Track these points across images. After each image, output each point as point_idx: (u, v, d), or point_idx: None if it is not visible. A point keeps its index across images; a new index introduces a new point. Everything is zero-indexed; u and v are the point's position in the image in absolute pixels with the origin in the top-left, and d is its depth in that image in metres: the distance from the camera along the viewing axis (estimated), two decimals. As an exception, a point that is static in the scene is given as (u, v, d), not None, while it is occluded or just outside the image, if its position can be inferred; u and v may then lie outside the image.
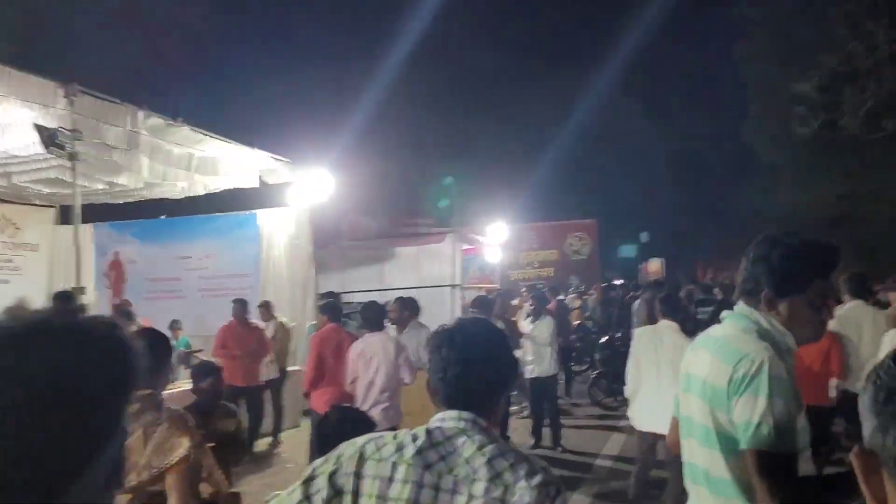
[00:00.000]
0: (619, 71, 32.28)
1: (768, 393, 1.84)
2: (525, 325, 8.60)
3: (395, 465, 1.57)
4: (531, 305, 8.71)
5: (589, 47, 34.93)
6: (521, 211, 25.37)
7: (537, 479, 1.53)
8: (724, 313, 2.14)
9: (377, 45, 24.12)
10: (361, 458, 1.60)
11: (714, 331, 2.14)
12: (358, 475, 1.57)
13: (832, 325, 6.54)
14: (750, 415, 1.86)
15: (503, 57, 32.23)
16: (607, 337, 11.42)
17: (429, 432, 1.63)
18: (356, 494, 1.56)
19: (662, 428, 4.92)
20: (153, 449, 2.67)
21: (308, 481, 1.60)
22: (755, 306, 2.04)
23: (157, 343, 2.85)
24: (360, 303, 12.79)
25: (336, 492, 1.56)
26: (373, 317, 6.07)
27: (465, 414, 1.65)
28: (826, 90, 15.64)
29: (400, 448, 1.60)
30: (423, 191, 24.02)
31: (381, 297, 15.01)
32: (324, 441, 2.79)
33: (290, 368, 9.35)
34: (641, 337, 5.60)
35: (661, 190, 33.72)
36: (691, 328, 5.77)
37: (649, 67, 34.19)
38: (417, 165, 23.97)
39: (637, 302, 11.75)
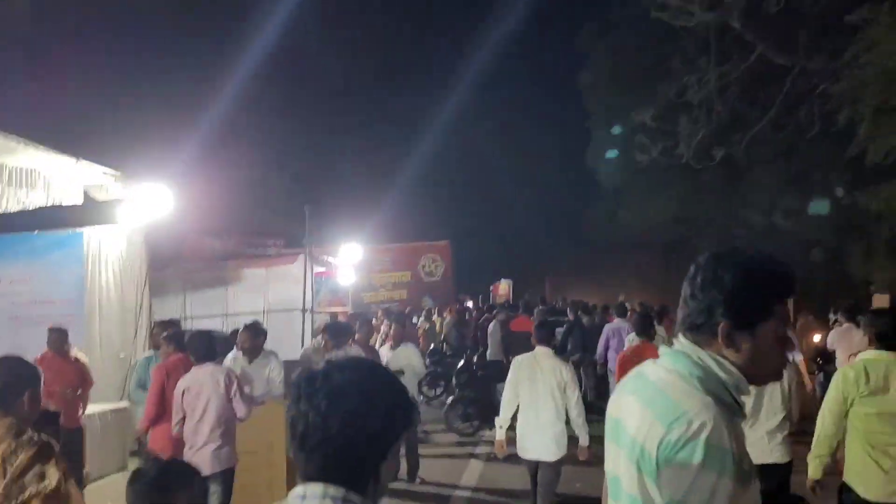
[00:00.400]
0: (471, 95, 32.93)
1: (701, 463, 1.50)
2: (384, 351, 8.15)
3: None
4: (387, 330, 8.34)
5: (442, 71, 35.52)
6: (375, 232, 25.06)
7: None
8: (662, 349, 1.79)
9: (224, 56, 23.10)
10: None
11: (648, 370, 1.78)
12: None
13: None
14: (673, 491, 1.53)
15: (357, 75, 32.07)
16: (464, 360, 11.20)
17: None
18: None
19: (545, 455, 5.27)
20: (13, 478, 2.50)
21: None
22: (702, 343, 1.68)
23: (20, 369, 2.80)
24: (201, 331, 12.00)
25: None
26: (201, 347, 5.44)
27: (333, 490, 1.31)
28: (663, 119, 16.46)
29: None
30: (272, 209, 23.19)
31: (226, 322, 14.24)
32: (140, 497, 2.46)
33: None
34: (521, 365, 5.60)
35: (511, 212, 34.57)
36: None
37: (502, 92, 35.17)
38: (266, 183, 23.09)
39: (492, 324, 11.72)
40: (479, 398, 9.32)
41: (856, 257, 19.33)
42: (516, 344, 11.17)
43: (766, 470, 4.17)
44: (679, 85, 16.10)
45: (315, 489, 1.31)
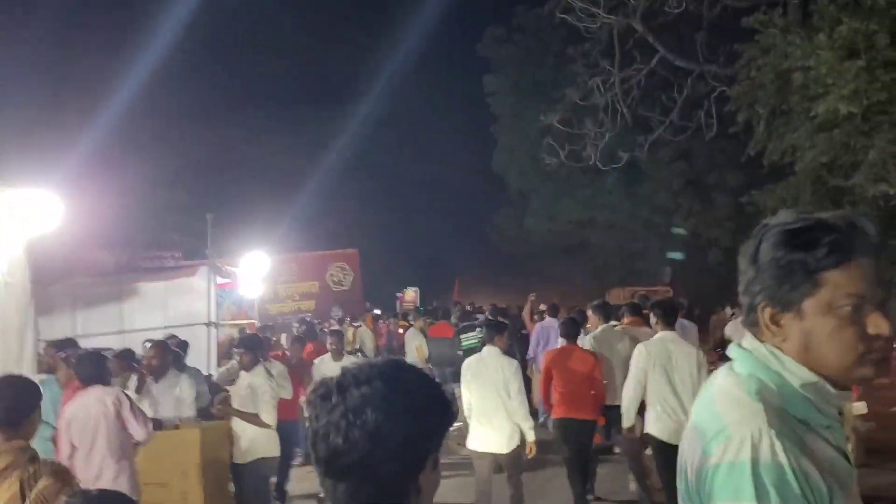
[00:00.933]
0: (376, 103, 32.53)
1: (750, 494, 1.13)
2: (328, 363, 7.42)
3: None
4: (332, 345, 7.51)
5: (346, 79, 34.88)
6: (279, 242, 24.27)
7: None
8: (731, 347, 1.43)
9: (118, 57, 21.76)
10: None
11: (716, 374, 1.43)
12: None
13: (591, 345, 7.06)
14: None
15: (258, 83, 31.10)
16: None
17: None
18: None
19: (495, 447, 5.49)
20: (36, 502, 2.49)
21: None
22: (757, 335, 1.35)
23: (27, 390, 2.76)
24: (105, 349, 11.10)
25: None
26: (87, 368, 4.86)
27: None
28: (569, 123, 16.60)
29: None
30: (170, 221, 22.09)
31: (121, 340, 13.28)
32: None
33: None
34: (470, 366, 5.84)
35: (418, 219, 34.33)
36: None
37: (408, 98, 34.85)
38: (163, 193, 21.95)
39: (410, 330, 11.37)
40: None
41: (751, 255, 20.11)
42: (436, 350, 10.90)
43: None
44: (584, 88, 16.26)
45: None
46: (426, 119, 34.65)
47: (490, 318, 10.10)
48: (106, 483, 4.33)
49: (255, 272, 17.12)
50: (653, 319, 5.89)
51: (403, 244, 33.10)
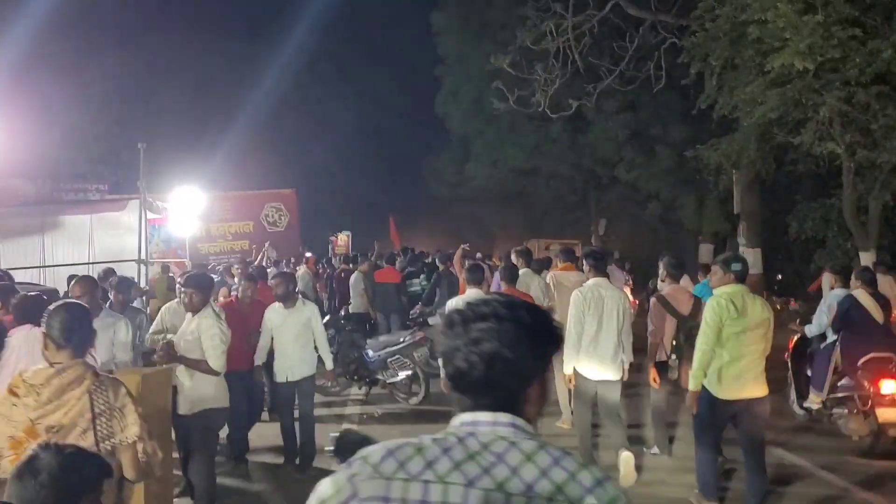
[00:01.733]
0: (313, 37, 31.31)
1: None
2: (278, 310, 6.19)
3: (427, 485, 1.27)
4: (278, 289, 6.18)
5: (283, 10, 33.38)
6: (213, 179, 23.32)
7: (603, 492, 1.29)
8: None
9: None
10: (382, 478, 1.28)
11: None
12: (384, 500, 1.26)
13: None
14: None
15: (191, 7, 29.40)
16: (329, 316, 10.03)
17: (459, 439, 1.34)
18: None
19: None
20: (108, 412, 2.78)
21: None
22: None
23: (85, 313, 3.00)
24: (27, 284, 10.33)
25: None
26: (33, 310, 4.09)
27: (503, 417, 1.37)
28: (519, 67, 16.18)
29: (430, 462, 1.29)
30: (95, 153, 20.90)
31: (43, 275, 12.51)
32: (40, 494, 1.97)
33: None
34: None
35: (354, 161, 33.51)
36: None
37: (346, 34, 33.71)
38: (90, 121, 20.66)
39: (354, 275, 10.97)
40: (345, 355, 8.60)
41: (689, 210, 20.34)
42: (382, 296, 10.56)
43: (605, 384, 5.83)
44: (536, 32, 15.83)
45: (484, 416, 1.36)
46: (367, 57, 33.72)
47: (439, 263, 9.79)
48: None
49: (188, 209, 16.37)
50: (586, 267, 6.26)
51: (338, 186, 32.34)
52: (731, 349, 4.89)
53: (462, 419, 1.36)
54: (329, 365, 6.43)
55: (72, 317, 2.87)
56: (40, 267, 12.55)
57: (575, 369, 5.86)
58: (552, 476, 1.27)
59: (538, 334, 1.40)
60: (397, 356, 8.21)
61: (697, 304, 5.97)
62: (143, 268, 13.17)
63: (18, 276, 9.92)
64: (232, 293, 7.75)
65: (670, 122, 19.10)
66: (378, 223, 31.62)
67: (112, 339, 4.73)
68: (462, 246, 11.59)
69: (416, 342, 8.29)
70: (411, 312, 10.76)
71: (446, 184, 27.63)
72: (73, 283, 5.17)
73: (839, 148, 12.18)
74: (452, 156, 26.02)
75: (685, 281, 8.04)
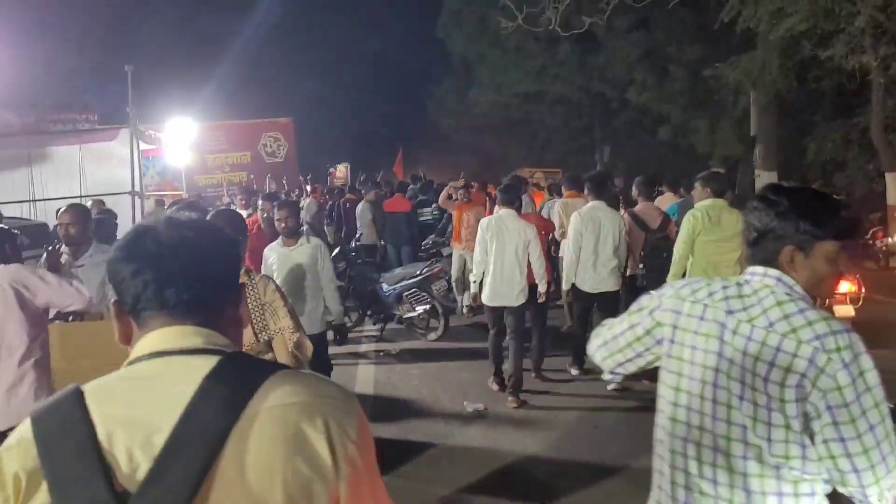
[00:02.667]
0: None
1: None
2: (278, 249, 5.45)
3: (705, 307, 1.76)
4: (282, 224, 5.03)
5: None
6: (205, 109, 22.49)
7: (832, 340, 1.57)
8: None
9: None
10: (679, 298, 1.80)
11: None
12: (675, 311, 1.79)
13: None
14: None
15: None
16: (338, 248, 9.33)
17: (739, 284, 1.78)
18: (673, 327, 1.79)
19: (511, 302, 5.94)
20: (260, 307, 3.06)
21: (633, 313, 1.91)
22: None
23: (237, 218, 3.27)
24: (15, 218, 9.73)
25: (656, 323, 1.84)
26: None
27: (772, 271, 1.77)
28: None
29: (711, 293, 1.77)
30: (83, 81, 19.99)
31: (34, 209, 11.92)
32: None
33: None
34: (489, 226, 6.00)
35: (353, 89, 32.43)
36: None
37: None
38: (76, 47, 19.67)
39: (360, 205, 10.37)
40: (358, 289, 8.09)
41: (701, 133, 19.59)
42: (392, 226, 9.98)
43: (603, 295, 6.32)
44: (547, -57, 14.80)
45: (758, 269, 1.80)
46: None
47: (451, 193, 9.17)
48: (18, 396, 3.28)
49: (182, 139, 15.66)
50: (585, 191, 6.70)
51: (335, 116, 31.38)
52: (708, 256, 5.50)
53: (749, 270, 1.80)
54: (338, 317, 5.26)
55: (226, 222, 3.04)
56: (29, 201, 11.92)
57: (574, 285, 6.37)
58: (792, 320, 1.64)
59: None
60: (414, 290, 7.68)
61: (666, 220, 6.77)
62: (137, 201, 12.56)
63: (7, 211, 9.35)
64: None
65: (685, 41, 18.18)
66: (377, 154, 30.86)
67: (103, 276, 4.18)
68: (451, 183, 10.94)
69: (433, 274, 7.76)
70: (423, 243, 10.19)
71: (448, 112, 26.71)
72: (61, 211, 4.53)
73: (874, 61, 11.47)
74: (454, 82, 25.04)
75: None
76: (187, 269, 1.17)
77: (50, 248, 4.01)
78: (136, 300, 1.16)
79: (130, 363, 1.15)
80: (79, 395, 1.07)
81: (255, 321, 3.01)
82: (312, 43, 30.82)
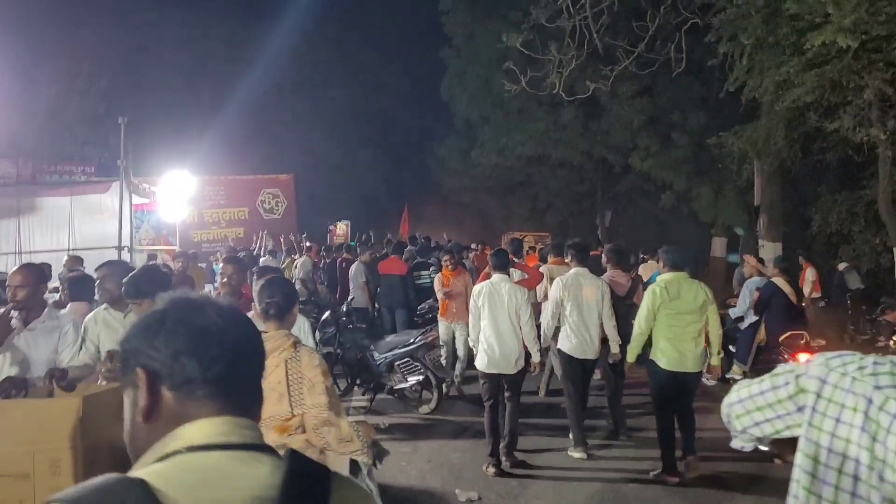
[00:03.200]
0: (313, 17, 30.27)
1: None
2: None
3: (853, 380, 1.66)
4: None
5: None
6: (206, 163, 22.37)
7: None
8: None
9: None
10: (827, 367, 1.70)
11: None
12: (821, 379, 1.69)
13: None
14: None
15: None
16: (329, 311, 8.96)
17: (893, 362, 1.66)
18: (817, 395, 1.69)
19: (507, 370, 5.92)
20: (298, 381, 3.02)
21: (777, 375, 1.81)
22: None
23: (290, 288, 3.32)
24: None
25: (800, 389, 1.74)
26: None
27: None
28: (532, 47, 15.17)
29: (861, 367, 1.67)
30: (82, 132, 19.88)
31: (19, 261, 11.55)
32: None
33: None
34: (481, 293, 6.05)
35: (355, 148, 32.43)
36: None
37: (348, 15, 32.54)
38: (77, 101, 19.63)
39: (354, 265, 10.01)
40: (347, 356, 7.66)
41: (704, 201, 19.40)
42: (387, 289, 9.60)
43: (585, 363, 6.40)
44: (552, 8, 14.83)
45: None
46: (369, 40, 32.58)
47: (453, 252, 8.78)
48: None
49: (178, 193, 15.41)
50: (568, 257, 6.74)
51: (338, 174, 31.29)
52: (671, 328, 5.66)
53: None
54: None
55: (279, 292, 3.13)
56: (16, 253, 11.60)
57: (561, 350, 6.39)
58: None
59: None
60: (406, 359, 7.24)
61: (633, 288, 7.07)
62: (126, 255, 12.22)
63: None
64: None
65: (689, 109, 18.15)
66: (379, 213, 30.73)
67: (57, 346, 3.76)
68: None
69: (427, 343, 7.33)
70: (419, 307, 9.78)
71: (451, 172, 26.60)
72: (11, 271, 4.08)
73: (882, 135, 11.28)
74: (457, 143, 24.98)
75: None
76: (247, 354, 1.18)
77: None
78: (190, 379, 1.11)
79: (189, 449, 1.07)
80: (145, 487, 0.98)
81: (293, 394, 2.99)
82: (316, 100, 30.93)
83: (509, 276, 6.23)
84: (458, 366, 8.12)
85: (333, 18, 31.66)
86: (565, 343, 6.30)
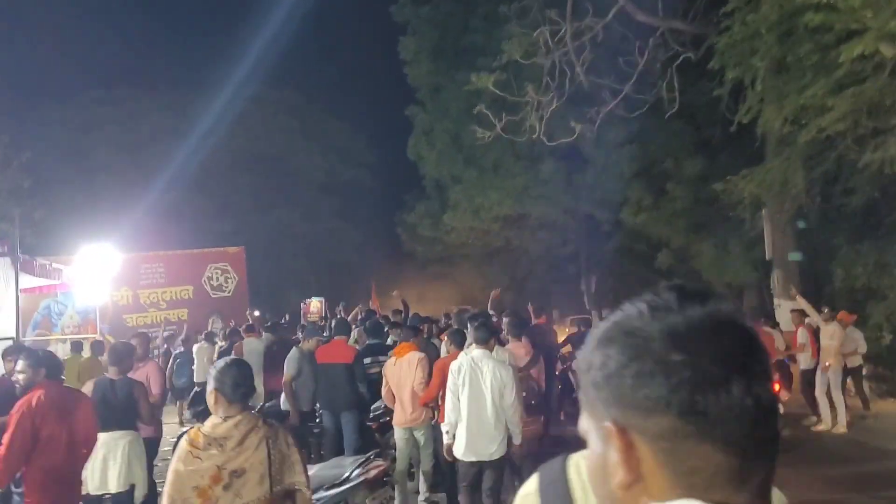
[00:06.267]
0: (265, 74, 28.56)
1: None
2: None
3: None
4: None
5: (235, 55, 30.53)
6: (153, 237, 20.05)
7: None
8: None
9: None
10: None
11: None
12: None
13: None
14: None
15: (130, 57, 26.38)
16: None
17: None
18: None
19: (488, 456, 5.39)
20: (280, 459, 3.01)
21: None
22: None
23: (248, 370, 3.20)
24: None
25: None
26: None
27: None
28: (507, 87, 13.21)
29: None
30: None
31: None
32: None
33: None
34: (461, 369, 5.31)
35: (321, 219, 30.34)
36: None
37: (303, 74, 30.91)
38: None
39: (290, 354, 7.55)
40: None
41: (706, 258, 17.33)
42: (328, 385, 7.10)
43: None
44: (527, 43, 12.94)
45: None
46: (332, 107, 30.89)
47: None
48: None
49: (96, 271, 13.02)
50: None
51: (303, 246, 29.14)
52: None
53: None
54: None
55: (241, 373, 3.08)
56: None
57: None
58: None
59: None
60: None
61: (534, 360, 7.03)
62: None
63: None
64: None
65: (683, 155, 16.22)
66: (350, 286, 28.39)
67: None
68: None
69: (371, 479, 4.84)
70: (373, 407, 7.19)
71: (421, 239, 24.44)
72: None
73: (938, 163, 9.32)
74: (428, 207, 22.87)
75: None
76: None
77: None
78: None
79: None
80: (564, 460, 1.12)
81: (273, 474, 2.95)
82: (278, 171, 28.94)
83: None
84: (424, 480, 5.91)
85: (292, 84, 29.98)
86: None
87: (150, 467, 5.66)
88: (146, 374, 5.93)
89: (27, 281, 10.93)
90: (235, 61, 26.83)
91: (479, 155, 16.94)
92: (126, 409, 4.94)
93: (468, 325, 5.61)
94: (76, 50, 25.04)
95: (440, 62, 18.61)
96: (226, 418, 2.94)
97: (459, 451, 5.22)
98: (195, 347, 12.62)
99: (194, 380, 11.77)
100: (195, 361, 12.11)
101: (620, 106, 14.16)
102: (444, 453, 5.53)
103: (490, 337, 5.44)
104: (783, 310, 15.09)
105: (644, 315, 0.79)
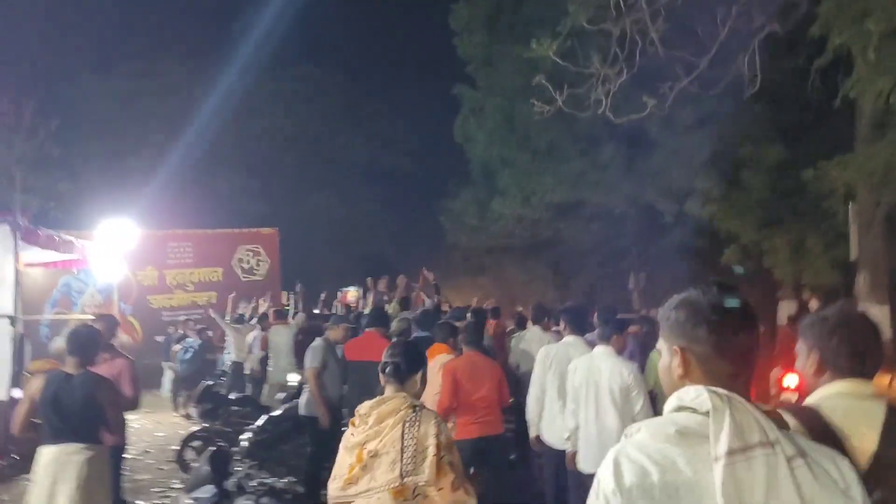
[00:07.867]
0: (312, 63, 27.43)
1: None
2: None
3: None
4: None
5: (282, 36, 29.44)
6: (188, 217, 19.09)
7: None
8: None
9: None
10: None
11: None
12: None
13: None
14: None
15: (168, 33, 25.43)
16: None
17: None
18: None
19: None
20: (413, 447, 2.86)
21: None
22: None
23: (415, 353, 3.28)
24: None
25: None
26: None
27: None
28: (571, 55, 11.78)
29: None
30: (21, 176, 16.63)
31: None
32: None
33: None
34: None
35: (362, 207, 29.24)
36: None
37: (351, 57, 29.69)
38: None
39: (312, 345, 6.32)
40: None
41: (781, 255, 15.72)
42: (358, 385, 5.84)
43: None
44: (595, 4, 11.47)
45: None
46: (377, 89, 29.68)
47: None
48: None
49: (115, 247, 12.00)
50: (561, 325, 6.04)
51: (341, 234, 28.05)
52: None
53: None
54: None
55: (400, 354, 3.12)
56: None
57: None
58: None
59: None
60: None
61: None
62: (13, 326, 8.83)
63: None
64: None
65: (763, 141, 14.63)
66: (385, 278, 27.08)
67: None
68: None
69: None
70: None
71: (466, 229, 23.00)
72: None
73: None
74: (474, 194, 21.46)
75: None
76: None
77: None
78: None
79: None
80: None
81: (405, 461, 2.81)
82: (316, 152, 27.84)
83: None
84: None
85: (339, 63, 28.80)
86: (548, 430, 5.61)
87: (117, 488, 4.42)
88: (117, 369, 4.72)
89: (34, 254, 9.90)
90: (278, 38, 25.68)
91: (534, 135, 15.53)
92: (85, 415, 3.71)
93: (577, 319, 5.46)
94: (119, 20, 24.11)
95: (494, 33, 17.20)
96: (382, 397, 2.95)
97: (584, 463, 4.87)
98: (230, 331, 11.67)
99: (234, 359, 10.95)
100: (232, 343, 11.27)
101: (693, 84, 12.69)
102: (566, 463, 5.13)
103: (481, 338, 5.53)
104: (870, 316, 13.44)
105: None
